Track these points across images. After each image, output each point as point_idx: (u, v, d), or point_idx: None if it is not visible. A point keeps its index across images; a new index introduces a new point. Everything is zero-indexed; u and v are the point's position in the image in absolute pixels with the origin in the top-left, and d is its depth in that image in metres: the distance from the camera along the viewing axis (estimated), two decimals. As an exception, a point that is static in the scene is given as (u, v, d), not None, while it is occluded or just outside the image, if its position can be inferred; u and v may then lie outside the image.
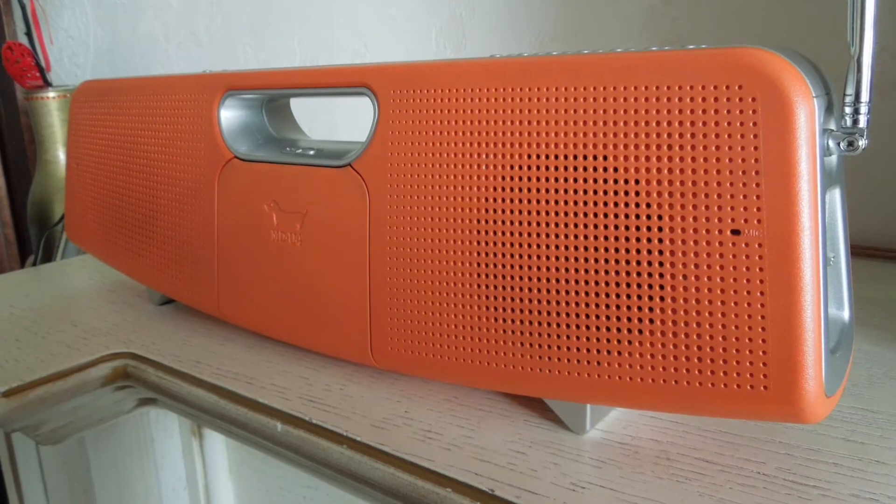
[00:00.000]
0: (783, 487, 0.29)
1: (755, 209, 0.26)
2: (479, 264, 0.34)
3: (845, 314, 0.30)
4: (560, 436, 0.34)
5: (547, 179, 0.31)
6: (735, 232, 0.27)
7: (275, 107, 0.48)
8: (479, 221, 0.33)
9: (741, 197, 0.27)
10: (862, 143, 0.26)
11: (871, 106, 0.26)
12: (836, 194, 0.29)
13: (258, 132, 0.47)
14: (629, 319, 0.30)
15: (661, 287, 0.29)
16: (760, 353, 0.27)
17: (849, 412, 0.35)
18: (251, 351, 0.46)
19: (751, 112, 0.26)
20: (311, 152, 0.42)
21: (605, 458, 0.32)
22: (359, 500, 0.40)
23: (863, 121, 0.27)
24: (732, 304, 0.27)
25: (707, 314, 0.28)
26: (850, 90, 0.27)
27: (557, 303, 0.31)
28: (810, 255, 0.26)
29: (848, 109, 0.27)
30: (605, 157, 0.29)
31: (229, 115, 0.45)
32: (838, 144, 0.27)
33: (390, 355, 0.38)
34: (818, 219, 0.26)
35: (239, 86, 0.44)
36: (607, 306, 0.30)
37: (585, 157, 0.30)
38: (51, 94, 1.17)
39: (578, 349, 0.31)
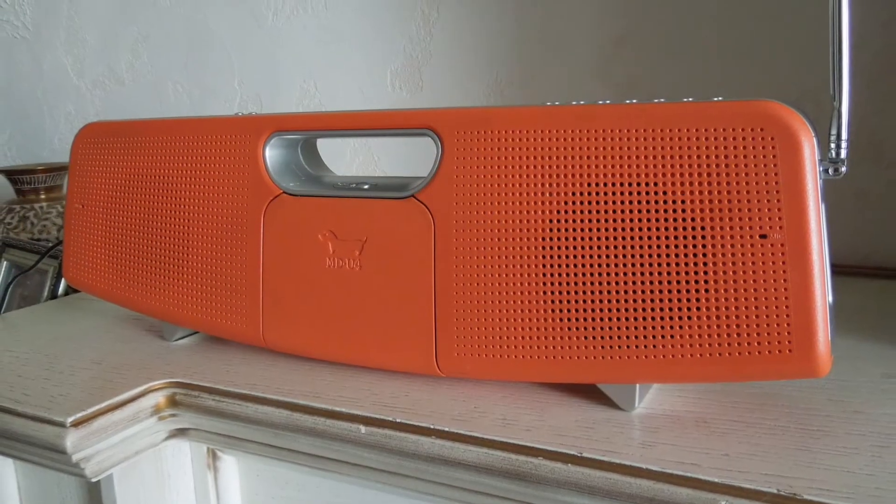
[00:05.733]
0: (797, 433, 0.38)
1: (777, 218, 0.36)
2: (543, 274, 0.40)
3: (831, 297, 0.40)
4: (614, 413, 0.41)
5: (605, 202, 0.39)
6: (763, 236, 0.36)
7: (308, 145, 0.52)
8: (543, 239, 0.40)
9: (766, 210, 0.36)
10: (843, 169, 0.36)
11: (849, 142, 0.37)
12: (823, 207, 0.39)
13: (297, 169, 0.51)
14: (680, 309, 0.38)
15: (706, 281, 0.37)
16: (786, 325, 0.36)
17: (824, 381, 0.44)
18: (297, 372, 0.49)
19: (770, 147, 0.35)
20: (366, 186, 0.47)
21: (657, 425, 0.40)
22: None
23: (843, 153, 0.37)
24: (763, 290, 0.36)
25: (744, 299, 0.36)
26: (834, 131, 0.37)
27: (618, 301, 0.39)
28: (818, 252, 0.35)
29: (833, 145, 0.37)
30: (655, 184, 0.38)
31: (273, 153, 0.50)
32: (826, 171, 0.37)
33: (456, 362, 0.43)
34: (821, 224, 0.36)
35: (289, 127, 0.48)
36: (661, 300, 0.38)
37: (639, 184, 0.38)
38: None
39: (636, 336, 0.39)
